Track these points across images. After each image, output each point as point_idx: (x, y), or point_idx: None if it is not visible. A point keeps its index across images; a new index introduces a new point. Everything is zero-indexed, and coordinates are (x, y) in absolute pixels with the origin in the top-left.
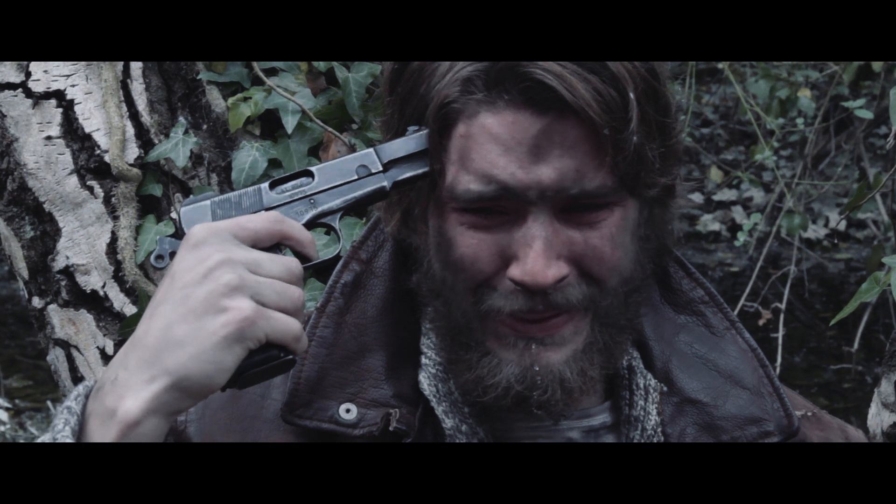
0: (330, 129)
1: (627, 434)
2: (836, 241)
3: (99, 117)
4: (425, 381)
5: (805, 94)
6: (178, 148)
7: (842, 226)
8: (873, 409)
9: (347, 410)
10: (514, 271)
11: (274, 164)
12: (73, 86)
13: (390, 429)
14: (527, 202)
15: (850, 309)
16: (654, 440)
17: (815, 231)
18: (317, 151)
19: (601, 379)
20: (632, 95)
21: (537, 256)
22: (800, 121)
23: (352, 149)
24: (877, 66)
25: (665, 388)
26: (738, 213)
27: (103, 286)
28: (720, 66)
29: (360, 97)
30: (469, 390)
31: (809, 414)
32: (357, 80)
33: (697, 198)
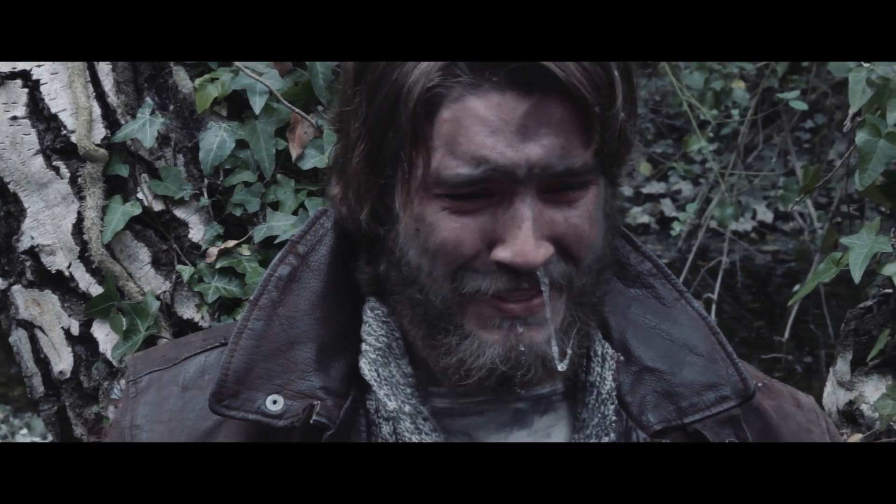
0: (297, 109)
1: (583, 399)
2: (764, 233)
3: (65, 98)
4: (366, 367)
5: (739, 86)
6: (144, 128)
7: (769, 218)
8: (829, 387)
9: (274, 402)
10: (503, 253)
11: (241, 144)
12: (38, 66)
13: (311, 421)
14: (515, 181)
15: (808, 289)
16: (608, 403)
17: (743, 223)
18: (284, 132)
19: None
20: (616, 73)
21: (527, 237)
22: (735, 112)
23: (318, 130)
24: None
25: (622, 358)
26: (666, 206)
27: (69, 266)
28: None
29: (327, 79)
30: (450, 374)
31: (760, 384)
32: (324, 62)
33: (626, 191)
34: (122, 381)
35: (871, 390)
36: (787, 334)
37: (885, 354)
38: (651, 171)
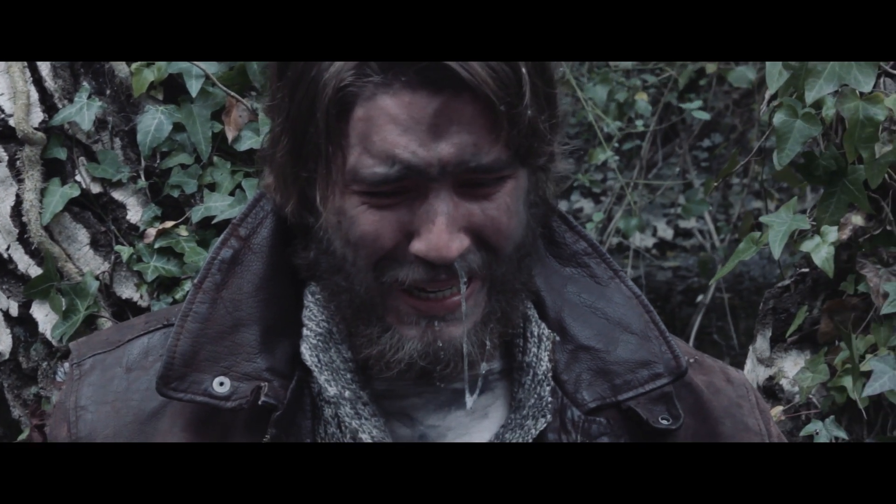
0: (232, 93)
1: (520, 380)
2: (665, 250)
3: (2, 82)
4: (307, 352)
5: (642, 98)
6: (82, 112)
7: (669, 235)
8: (749, 365)
9: (221, 384)
10: (419, 246)
11: (178, 127)
12: None
13: (259, 402)
14: (429, 179)
15: (729, 268)
16: (544, 384)
17: (644, 240)
18: (219, 115)
19: (491, 355)
20: (524, 70)
21: (441, 231)
22: (639, 122)
23: (253, 113)
24: (710, 67)
25: (557, 338)
26: None
27: (7, 248)
28: (561, 68)
29: (261, 63)
30: (372, 364)
31: (692, 360)
32: None
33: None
34: (66, 365)
35: (790, 366)
36: (691, 344)
37: (802, 331)
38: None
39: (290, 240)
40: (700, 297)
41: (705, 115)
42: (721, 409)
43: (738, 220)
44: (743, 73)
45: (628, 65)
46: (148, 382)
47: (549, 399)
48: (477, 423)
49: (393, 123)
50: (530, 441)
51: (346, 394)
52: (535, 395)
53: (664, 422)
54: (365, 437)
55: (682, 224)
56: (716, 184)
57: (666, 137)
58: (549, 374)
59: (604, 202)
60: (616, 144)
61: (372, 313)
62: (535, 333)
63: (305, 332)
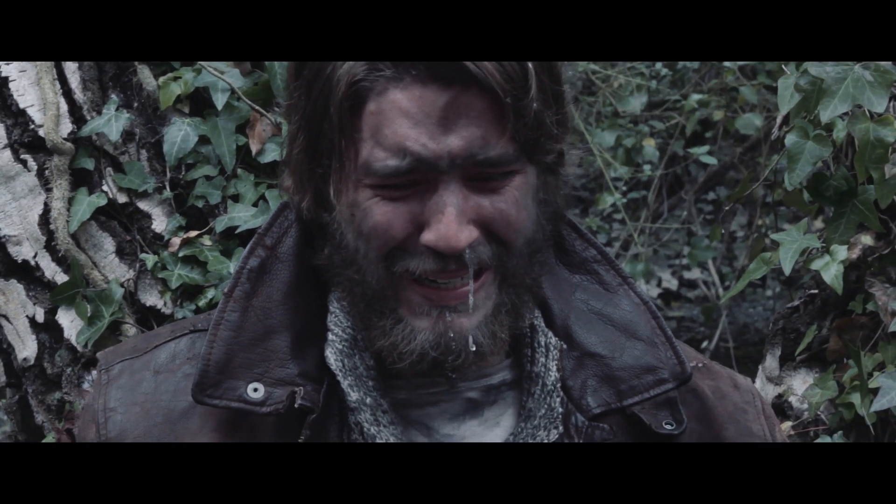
0: (257, 107)
1: (529, 389)
2: (669, 300)
3: (33, 94)
4: (332, 357)
5: (649, 143)
6: (111, 123)
7: (674, 285)
8: (758, 383)
9: (255, 389)
10: (428, 236)
11: (203, 140)
12: (7, 64)
13: (295, 405)
14: (438, 171)
15: (740, 287)
16: (554, 395)
17: (649, 290)
18: (244, 128)
19: (504, 345)
20: (530, 65)
21: (450, 222)
22: (646, 167)
23: (277, 126)
24: (718, 114)
25: (564, 346)
26: None
27: (34, 256)
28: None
29: (284, 79)
30: (385, 356)
31: (700, 365)
32: (282, 63)
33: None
34: (93, 372)
35: (799, 383)
36: None
37: (811, 349)
38: None
39: (315, 248)
40: (705, 344)
41: (712, 160)
42: (726, 414)
43: (743, 272)
44: (750, 120)
45: (636, 110)
46: (176, 384)
47: (560, 410)
48: (489, 432)
49: (404, 117)
50: None
51: (368, 400)
52: (546, 406)
53: (668, 427)
54: None
55: (687, 275)
56: (728, 205)
57: (671, 189)
58: (559, 384)
59: (609, 251)
60: (623, 188)
61: (385, 305)
62: (543, 343)
63: (331, 337)
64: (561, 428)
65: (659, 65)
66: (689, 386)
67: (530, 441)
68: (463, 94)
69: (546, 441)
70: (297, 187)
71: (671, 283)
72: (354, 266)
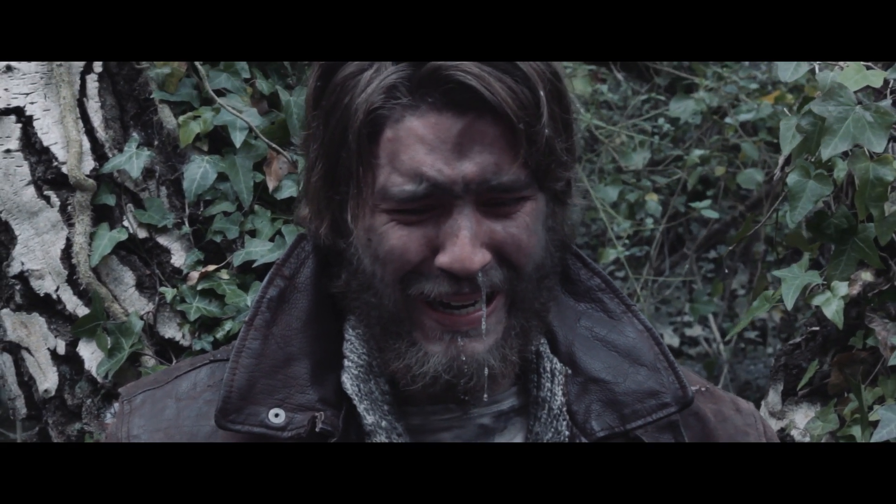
0: (274, 145)
1: (535, 414)
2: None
3: (56, 132)
4: (348, 382)
5: (652, 198)
6: (132, 160)
7: (675, 342)
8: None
9: (276, 415)
10: (443, 259)
11: (221, 177)
12: (32, 103)
13: (316, 430)
14: (453, 196)
15: (744, 324)
16: (560, 419)
17: None
18: (261, 166)
19: (514, 368)
20: (542, 93)
21: (464, 245)
22: (649, 221)
23: (293, 164)
24: (719, 170)
25: (569, 371)
26: None
27: (56, 290)
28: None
29: (301, 118)
30: (399, 378)
31: (703, 389)
32: (298, 103)
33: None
34: (116, 405)
35: (801, 417)
36: None
37: (812, 385)
38: None
39: (331, 277)
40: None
41: (714, 214)
42: (726, 436)
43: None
44: (751, 175)
45: (639, 166)
46: (198, 409)
47: (567, 433)
48: None
49: (420, 143)
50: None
51: (383, 423)
52: (553, 430)
53: None
54: None
55: (689, 332)
56: (732, 246)
57: (673, 248)
58: (565, 409)
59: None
60: (626, 241)
61: (400, 327)
62: (548, 369)
63: (347, 363)
64: None
65: (661, 120)
66: (691, 409)
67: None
68: (477, 121)
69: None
70: (314, 215)
71: (673, 340)
72: (371, 290)
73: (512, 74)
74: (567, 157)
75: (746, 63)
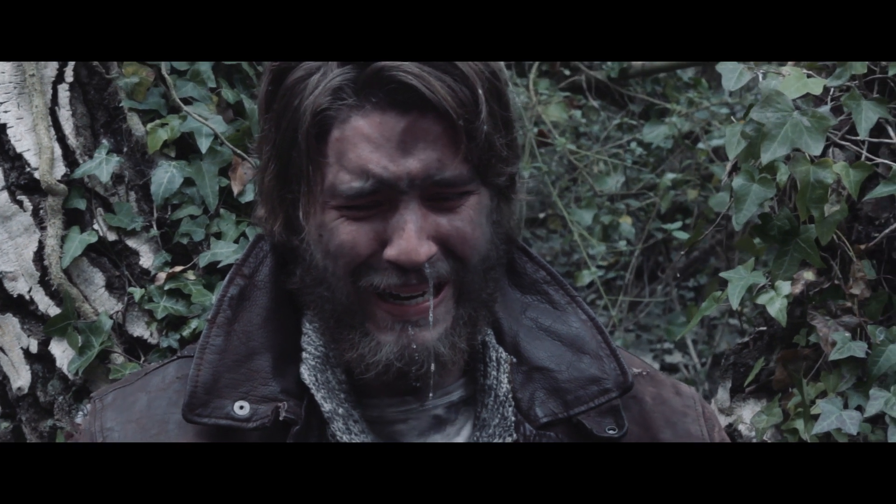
0: (238, 151)
1: (483, 401)
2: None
3: (29, 139)
4: (306, 373)
5: (626, 221)
6: (102, 166)
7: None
8: None
9: (241, 407)
10: (391, 252)
11: (188, 182)
12: (5, 112)
13: (280, 419)
14: (399, 191)
15: (694, 323)
16: (506, 405)
17: None
18: (226, 171)
19: (463, 356)
20: (480, 91)
21: (410, 237)
22: (622, 243)
23: (257, 170)
24: (692, 193)
25: (514, 360)
26: None
27: (29, 291)
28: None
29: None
30: (353, 367)
31: (644, 373)
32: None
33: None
34: (87, 404)
35: (748, 413)
36: None
37: (759, 381)
38: None
39: (288, 274)
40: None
41: (684, 235)
42: (663, 418)
43: (722, 354)
44: (723, 198)
45: (613, 189)
46: (168, 399)
47: (513, 419)
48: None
49: (366, 142)
50: None
51: (340, 410)
52: (499, 415)
53: (610, 431)
54: None
55: (668, 359)
56: (683, 252)
57: (652, 275)
58: (510, 395)
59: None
60: (603, 264)
61: (353, 319)
62: (494, 357)
63: (305, 355)
64: (515, 436)
65: (633, 144)
66: (631, 393)
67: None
68: (420, 119)
69: None
70: (269, 213)
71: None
72: (324, 284)
73: (451, 74)
74: (508, 152)
75: (720, 90)
